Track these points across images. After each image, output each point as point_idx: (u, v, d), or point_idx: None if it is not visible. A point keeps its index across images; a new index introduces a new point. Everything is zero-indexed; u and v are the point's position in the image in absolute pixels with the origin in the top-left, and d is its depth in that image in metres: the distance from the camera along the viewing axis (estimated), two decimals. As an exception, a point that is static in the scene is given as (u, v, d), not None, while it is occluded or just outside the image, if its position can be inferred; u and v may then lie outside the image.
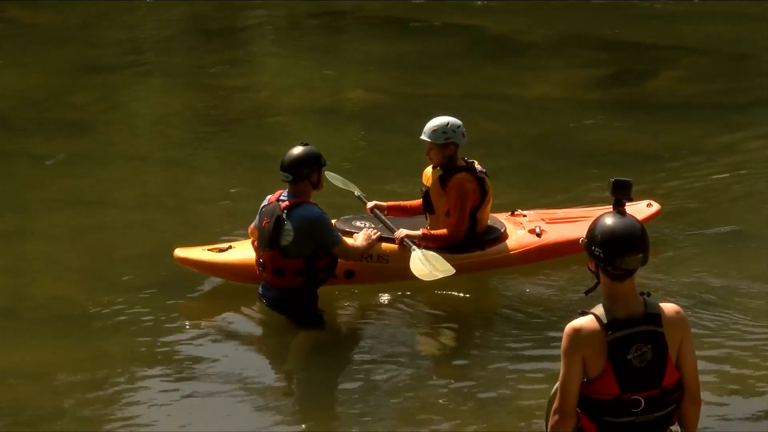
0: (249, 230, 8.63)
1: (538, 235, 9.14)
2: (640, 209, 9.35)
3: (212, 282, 9.01)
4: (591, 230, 4.69)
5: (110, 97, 14.70)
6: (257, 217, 8.43)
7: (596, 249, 4.65)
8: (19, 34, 17.24)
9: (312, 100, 14.48)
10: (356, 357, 8.10)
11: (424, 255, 8.49)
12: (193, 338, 8.30)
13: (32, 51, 16.41)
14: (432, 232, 8.77)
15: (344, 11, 19.05)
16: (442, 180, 8.74)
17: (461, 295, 8.79)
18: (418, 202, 9.06)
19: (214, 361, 7.94)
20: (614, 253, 4.61)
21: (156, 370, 7.82)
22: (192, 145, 12.82)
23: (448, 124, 8.74)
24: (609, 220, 4.66)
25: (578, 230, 8.74)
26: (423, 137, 8.78)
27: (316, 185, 8.30)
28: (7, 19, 17.95)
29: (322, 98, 14.56)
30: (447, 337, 8.48)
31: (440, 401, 7.40)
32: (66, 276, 9.39)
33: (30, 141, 12.78)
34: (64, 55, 16.41)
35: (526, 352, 7.96)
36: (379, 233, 8.70)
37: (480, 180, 8.79)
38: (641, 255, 4.64)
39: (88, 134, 13.15)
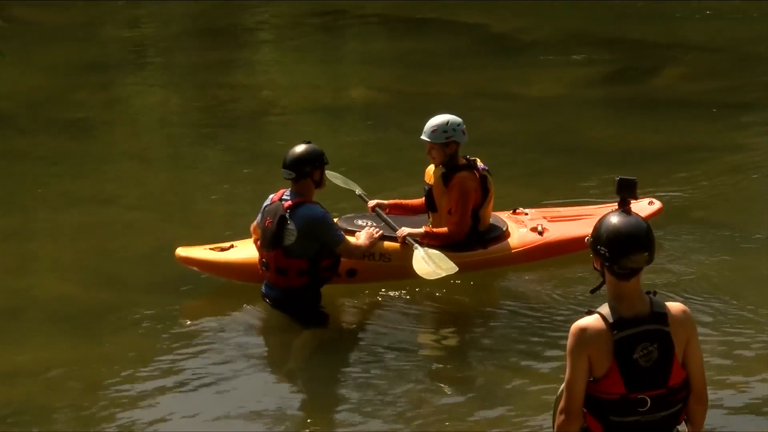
0: (251, 228, 8.62)
1: (540, 234, 9.13)
2: (642, 207, 9.32)
3: (214, 281, 8.99)
4: (596, 229, 4.67)
5: (112, 96, 14.71)
6: (259, 215, 8.42)
7: (602, 248, 4.63)
8: (22, 33, 17.24)
9: (314, 99, 14.47)
10: (359, 356, 8.09)
11: (426, 253, 8.47)
12: (195, 337, 8.28)
13: (35, 50, 16.41)
14: (434, 230, 8.75)
15: (346, 10, 19.05)
16: (445, 178, 8.72)
17: (463, 293, 8.78)
18: (420, 200, 9.04)
19: (216, 360, 7.93)
20: (620, 252, 4.59)
21: (158, 370, 7.81)
22: (194, 144, 12.83)
23: (447, 122, 8.71)
24: (614, 219, 4.63)
25: (580, 228, 8.78)
26: (423, 137, 8.75)
27: (319, 183, 8.30)
28: (9, 18, 17.96)
29: (324, 97, 14.56)
30: (450, 336, 8.47)
31: (444, 400, 7.39)
32: (68, 275, 9.38)
33: (32, 140, 12.78)
34: (67, 54, 16.42)
35: (531, 351, 7.94)
36: (381, 232, 8.69)
37: (482, 178, 8.77)
38: (647, 254, 4.62)
39: (90, 133, 13.15)
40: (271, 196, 8.41)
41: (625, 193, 4.68)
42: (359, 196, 9.29)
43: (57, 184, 11.42)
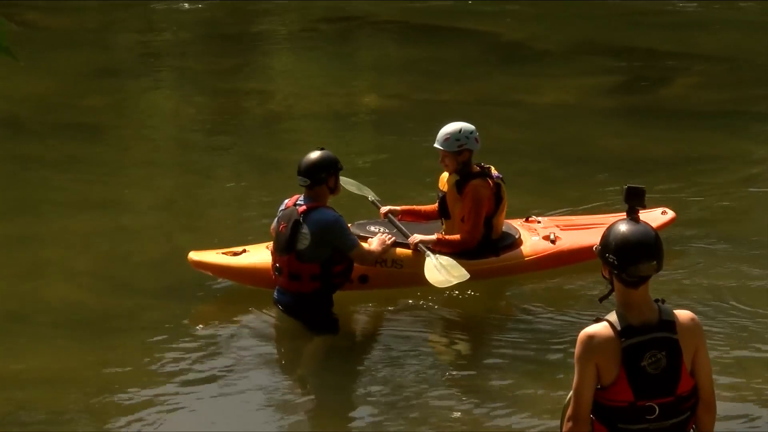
0: (271, 230, 8.60)
1: (553, 242, 9.14)
2: (655, 217, 9.35)
3: (226, 286, 9.02)
4: (605, 237, 4.69)
5: (124, 102, 14.74)
6: (275, 220, 8.44)
7: (610, 256, 4.65)
8: (35, 38, 17.29)
9: (326, 105, 14.50)
10: (370, 362, 8.11)
11: (438, 261, 8.49)
12: (206, 342, 8.30)
13: (47, 55, 16.45)
14: (446, 237, 8.76)
15: (358, 17, 19.08)
16: (458, 186, 8.73)
17: (475, 301, 8.79)
18: (432, 206, 9.06)
19: (228, 365, 7.95)
20: (628, 260, 4.61)
21: (169, 375, 7.83)
22: (206, 149, 12.85)
23: (460, 130, 8.72)
24: (623, 227, 4.65)
25: (592, 237, 8.79)
26: (436, 145, 8.77)
27: (333, 190, 8.32)
28: (22, 23, 18.00)
29: (336, 103, 14.59)
30: (460, 343, 8.48)
31: (454, 407, 7.40)
32: (80, 280, 9.40)
33: (44, 145, 12.81)
34: (79, 60, 16.46)
35: (540, 359, 7.95)
36: (393, 238, 8.70)
37: (496, 186, 8.78)
38: (655, 262, 4.63)
39: (102, 138, 13.18)
40: (285, 201, 8.44)
41: (634, 201, 4.70)
42: (372, 202, 9.31)
43: (68, 189, 11.45)
